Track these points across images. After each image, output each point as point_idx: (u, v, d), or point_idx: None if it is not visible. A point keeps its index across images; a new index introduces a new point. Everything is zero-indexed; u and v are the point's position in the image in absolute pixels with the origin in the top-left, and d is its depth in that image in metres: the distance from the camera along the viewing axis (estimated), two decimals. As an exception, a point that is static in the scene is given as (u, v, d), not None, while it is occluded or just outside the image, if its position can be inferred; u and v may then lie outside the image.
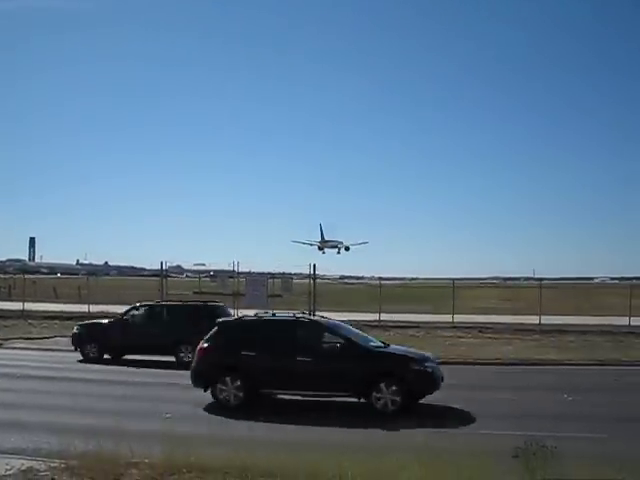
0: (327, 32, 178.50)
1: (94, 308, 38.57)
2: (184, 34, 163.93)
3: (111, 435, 11.32)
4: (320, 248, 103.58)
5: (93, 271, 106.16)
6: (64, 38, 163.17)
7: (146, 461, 10.35)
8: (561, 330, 32.70)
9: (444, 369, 23.98)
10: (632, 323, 32.83)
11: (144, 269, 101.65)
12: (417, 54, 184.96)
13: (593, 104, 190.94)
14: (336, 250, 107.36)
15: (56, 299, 49.61)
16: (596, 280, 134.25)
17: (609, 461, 9.67)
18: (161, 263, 41.38)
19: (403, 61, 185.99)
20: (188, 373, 17.66)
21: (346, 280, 78.83)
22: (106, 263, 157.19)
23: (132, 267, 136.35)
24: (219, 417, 15.58)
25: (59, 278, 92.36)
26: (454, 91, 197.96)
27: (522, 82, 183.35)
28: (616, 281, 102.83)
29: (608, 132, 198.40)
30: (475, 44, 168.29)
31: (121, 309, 38.18)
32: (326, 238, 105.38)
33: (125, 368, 23.77)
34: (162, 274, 40.94)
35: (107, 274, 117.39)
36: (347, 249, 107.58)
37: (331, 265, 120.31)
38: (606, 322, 33.52)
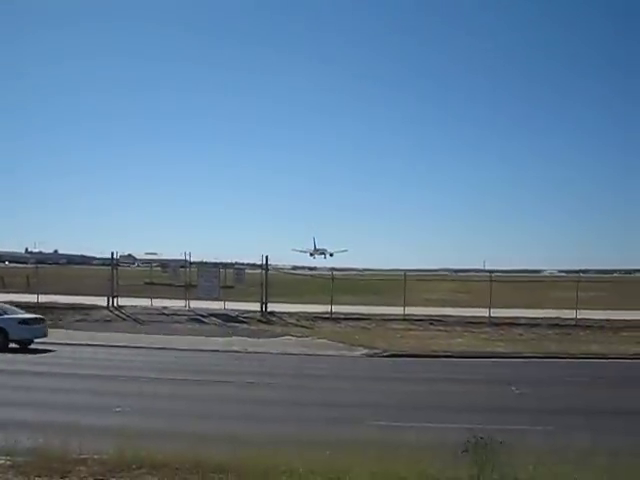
0: (317, 29, 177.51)
1: (43, 298, 37.88)
2: (179, 28, 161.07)
3: (59, 430, 11.12)
4: (311, 254, 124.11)
5: (42, 260, 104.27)
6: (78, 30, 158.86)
7: (95, 457, 10.19)
8: (511, 323, 33.18)
9: (395, 362, 24.41)
10: (579, 316, 33.42)
11: (95, 258, 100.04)
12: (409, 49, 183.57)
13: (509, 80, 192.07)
14: (323, 256, 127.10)
15: (3, 288, 48.62)
16: (545, 273, 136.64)
17: (555, 452, 9.85)
18: (112, 253, 40.89)
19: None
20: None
21: (299, 271, 78.68)
22: (56, 252, 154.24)
23: (82, 256, 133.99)
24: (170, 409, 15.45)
25: (7, 267, 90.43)
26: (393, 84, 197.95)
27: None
28: (564, 274, 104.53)
29: (562, 126, 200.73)
30: (466, 34, 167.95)
31: (71, 299, 37.92)
32: (317, 248, 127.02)
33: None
34: (112, 263, 40.39)
35: (57, 263, 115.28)
36: (331, 255, 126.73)
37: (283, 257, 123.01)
38: (554, 315, 34.08)
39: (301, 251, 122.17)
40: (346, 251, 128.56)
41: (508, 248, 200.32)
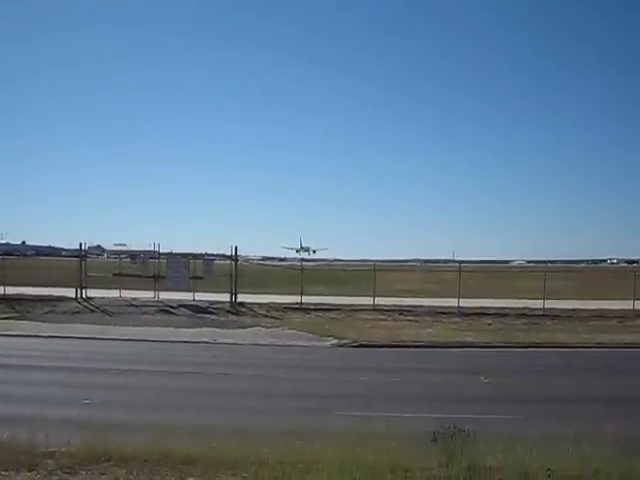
0: (311, 33, 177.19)
1: (10, 290, 37.47)
2: (175, 31, 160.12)
3: (26, 423, 11.01)
4: (297, 251, 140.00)
5: (10, 251, 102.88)
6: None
7: (63, 450, 10.10)
8: (480, 313, 33.42)
9: (365, 352, 24.49)
10: (546, 306, 33.78)
11: (63, 249, 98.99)
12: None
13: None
14: (307, 253, 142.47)
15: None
16: (513, 263, 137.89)
17: (523, 441, 9.93)
18: (80, 244, 40.45)
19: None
20: None
21: (269, 262, 78.53)
22: (24, 243, 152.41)
23: (51, 247, 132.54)
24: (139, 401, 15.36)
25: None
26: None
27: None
28: (532, 264, 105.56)
29: (532, 119, 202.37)
30: (458, 33, 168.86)
31: (39, 290, 37.50)
32: (302, 246, 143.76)
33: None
34: (81, 255, 40.00)
35: (24, 254, 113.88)
36: (314, 252, 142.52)
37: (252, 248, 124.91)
38: (522, 305, 34.41)
39: (289, 248, 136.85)
40: (327, 249, 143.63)
41: (477, 239, 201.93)
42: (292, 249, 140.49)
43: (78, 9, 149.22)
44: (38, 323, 30.44)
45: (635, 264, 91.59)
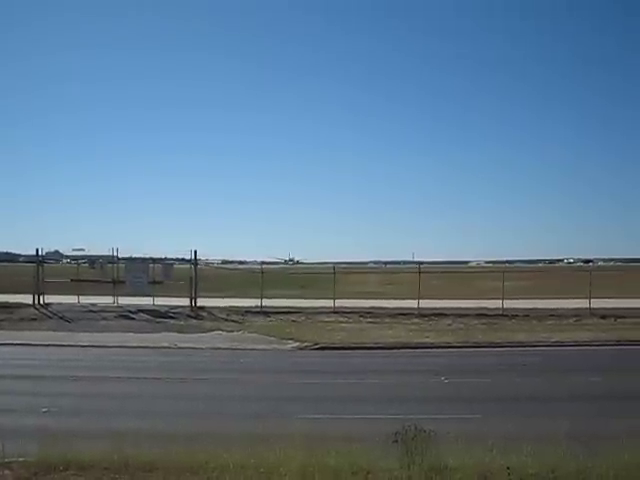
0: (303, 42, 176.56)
1: (-36, 297, 36.80)
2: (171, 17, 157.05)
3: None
4: (285, 262, 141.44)
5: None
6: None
7: (20, 460, 9.93)
8: (439, 314, 33.66)
9: (325, 354, 24.55)
10: (505, 305, 34.15)
11: (20, 255, 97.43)
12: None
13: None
14: (292, 262, 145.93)
15: None
16: (472, 264, 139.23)
17: (484, 439, 10.05)
18: (36, 249, 39.83)
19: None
20: None
21: (228, 265, 78.14)
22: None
23: (7, 253, 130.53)
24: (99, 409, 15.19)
25: None
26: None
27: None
28: (490, 265, 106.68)
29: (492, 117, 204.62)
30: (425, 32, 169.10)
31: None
32: (290, 258, 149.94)
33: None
34: (38, 260, 39.43)
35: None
36: (298, 262, 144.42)
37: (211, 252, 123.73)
38: (481, 305, 34.76)
39: (277, 259, 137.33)
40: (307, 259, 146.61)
41: (437, 240, 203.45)
42: (280, 260, 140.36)
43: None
44: (-6, 330, 29.92)
45: (591, 263, 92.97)
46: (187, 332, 29.83)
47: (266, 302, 36.16)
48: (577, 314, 32.93)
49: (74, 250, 46.90)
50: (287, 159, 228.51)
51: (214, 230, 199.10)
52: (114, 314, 34.64)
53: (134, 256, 43.32)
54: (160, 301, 37.17)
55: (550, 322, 31.57)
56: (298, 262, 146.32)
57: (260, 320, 33.29)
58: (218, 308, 35.67)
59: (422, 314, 33.66)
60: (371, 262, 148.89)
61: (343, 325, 31.75)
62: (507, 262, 72.01)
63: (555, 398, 16.15)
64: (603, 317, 32.29)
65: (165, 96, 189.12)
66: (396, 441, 9.48)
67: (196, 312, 35.37)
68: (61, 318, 33.69)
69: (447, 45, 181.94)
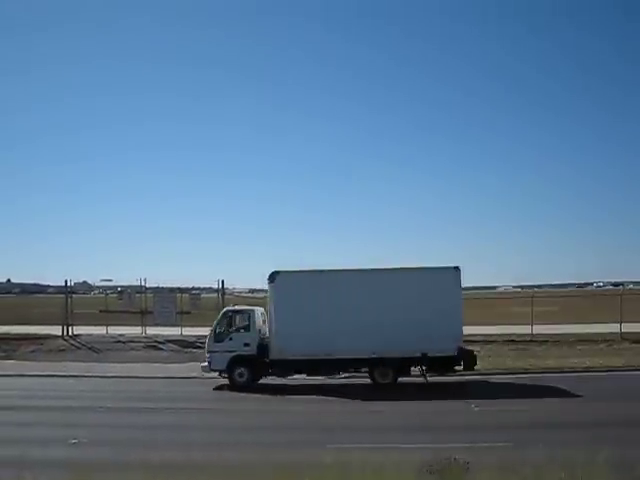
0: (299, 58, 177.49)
1: (-3, 329, 37.11)
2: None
3: (13, 464, 10.84)
4: None
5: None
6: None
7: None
8: (467, 340, 33.27)
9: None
10: (534, 331, 33.75)
11: (50, 286, 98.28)
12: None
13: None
14: None
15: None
16: (499, 289, 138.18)
17: (516, 468, 9.89)
18: (65, 281, 40.12)
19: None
20: None
21: (256, 295, 78.25)
22: (8, 281, 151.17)
23: (36, 284, 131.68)
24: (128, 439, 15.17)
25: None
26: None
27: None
28: (519, 289, 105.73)
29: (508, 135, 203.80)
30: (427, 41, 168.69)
31: (24, 329, 37.14)
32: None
33: None
34: (67, 291, 39.72)
35: (10, 292, 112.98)
36: None
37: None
38: (510, 331, 34.35)
39: None
40: None
41: (465, 265, 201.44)
42: None
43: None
44: (24, 362, 30.19)
45: (621, 286, 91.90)
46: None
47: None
48: (608, 339, 32.47)
49: (102, 280, 47.09)
50: (311, 185, 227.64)
51: (242, 258, 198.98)
52: (142, 344, 34.72)
53: (161, 286, 43.49)
54: (188, 331, 37.17)
55: (580, 347, 31.12)
56: None
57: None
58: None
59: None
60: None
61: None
62: (535, 286, 71.38)
63: (588, 424, 15.91)
64: (635, 342, 31.80)
65: (188, 113, 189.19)
66: (430, 471, 9.40)
67: (224, 342, 35.27)
68: (90, 349, 33.84)
69: (445, 54, 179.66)
